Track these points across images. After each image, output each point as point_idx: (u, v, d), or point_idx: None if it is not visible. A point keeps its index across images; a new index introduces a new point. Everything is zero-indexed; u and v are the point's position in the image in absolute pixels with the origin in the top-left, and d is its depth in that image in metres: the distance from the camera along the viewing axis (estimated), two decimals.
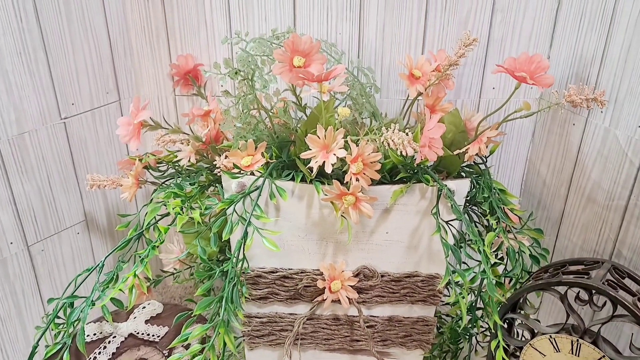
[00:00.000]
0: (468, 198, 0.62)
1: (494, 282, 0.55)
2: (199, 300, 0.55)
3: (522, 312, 0.61)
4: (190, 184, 0.64)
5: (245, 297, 0.59)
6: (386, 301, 0.65)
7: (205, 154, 0.67)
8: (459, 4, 0.72)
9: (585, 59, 0.69)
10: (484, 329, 0.70)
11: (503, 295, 0.61)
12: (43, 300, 0.75)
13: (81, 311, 0.58)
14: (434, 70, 0.64)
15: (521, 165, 0.83)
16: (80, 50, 0.72)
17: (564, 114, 0.72)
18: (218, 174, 0.61)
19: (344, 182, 0.55)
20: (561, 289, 0.57)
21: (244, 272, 0.56)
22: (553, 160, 0.77)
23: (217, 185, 0.65)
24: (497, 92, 0.78)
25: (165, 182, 0.68)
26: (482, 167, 0.66)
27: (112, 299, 0.57)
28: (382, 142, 0.52)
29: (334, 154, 0.54)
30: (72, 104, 0.73)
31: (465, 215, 0.64)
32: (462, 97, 0.78)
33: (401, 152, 0.51)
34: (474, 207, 0.67)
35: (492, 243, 0.59)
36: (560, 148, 0.75)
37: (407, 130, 0.51)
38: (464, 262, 0.67)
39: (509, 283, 0.68)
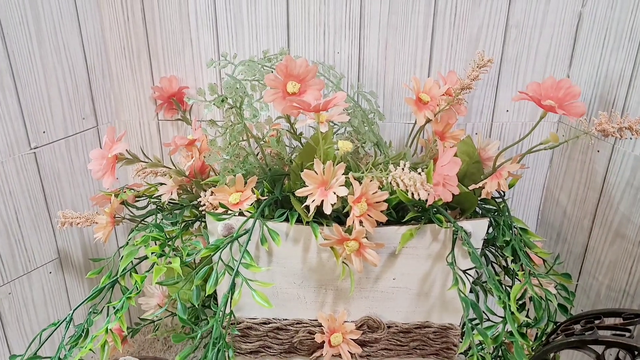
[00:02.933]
0: (486, 238, 0.55)
1: (518, 338, 0.48)
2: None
3: None
4: (172, 223, 0.57)
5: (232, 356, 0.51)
6: (394, 355, 0.58)
7: (189, 189, 0.60)
8: (470, 19, 0.66)
9: (611, 79, 0.62)
10: None
11: (526, 348, 0.53)
12: (11, 349, 0.67)
13: None
14: (443, 94, 0.57)
15: (538, 194, 0.76)
16: (53, 73, 0.66)
17: (587, 139, 0.65)
18: (203, 211, 0.54)
19: (346, 225, 0.48)
20: (598, 347, 0.50)
21: (230, 332, 0.49)
22: (575, 189, 0.70)
23: (202, 221, 0.57)
24: (511, 115, 0.71)
25: (145, 220, 0.61)
26: (499, 199, 0.59)
27: None
28: (390, 182, 0.45)
29: (334, 192, 0.47)
30: (44, 132, 0.66)
31: (483, 258, 0.56)
32: (473, 120, 0.71)
33: (412, 193, 0.44)
34: (491, 247, 0.60)
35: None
36: (583, 176, 0.68)
37: (419, 170, 0.44)
38: (484, 312, 0.60)
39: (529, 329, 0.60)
